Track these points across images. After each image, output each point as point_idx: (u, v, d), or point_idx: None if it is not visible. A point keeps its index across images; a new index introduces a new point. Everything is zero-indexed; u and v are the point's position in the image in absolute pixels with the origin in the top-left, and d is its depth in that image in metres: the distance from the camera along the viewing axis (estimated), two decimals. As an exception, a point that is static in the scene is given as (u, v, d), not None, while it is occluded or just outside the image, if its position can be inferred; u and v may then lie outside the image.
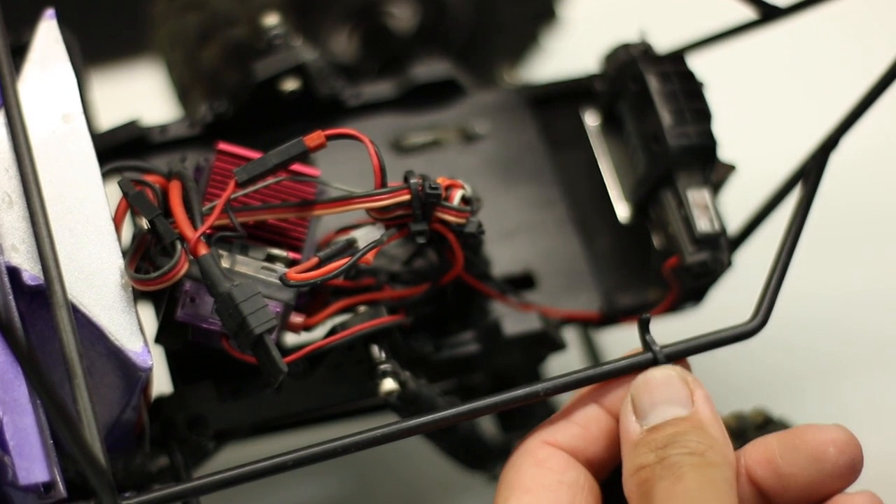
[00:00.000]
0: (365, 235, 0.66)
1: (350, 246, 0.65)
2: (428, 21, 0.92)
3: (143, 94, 0.99)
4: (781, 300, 0.67)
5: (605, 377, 0.64)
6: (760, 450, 0.61)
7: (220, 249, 0.65)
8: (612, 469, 0.64)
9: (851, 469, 0.60)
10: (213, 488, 0.61)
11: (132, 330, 0.63)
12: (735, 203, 0.78)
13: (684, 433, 0.60)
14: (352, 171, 0.70)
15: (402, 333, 0.69)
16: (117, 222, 0.65)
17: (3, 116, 0.65)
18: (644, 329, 0.65)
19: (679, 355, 0.65)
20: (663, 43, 0.75)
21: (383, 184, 0.65)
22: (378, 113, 0.78)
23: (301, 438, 0.68)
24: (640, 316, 0.65)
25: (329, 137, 0.64)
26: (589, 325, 0.76)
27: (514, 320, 0.71)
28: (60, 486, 0.60)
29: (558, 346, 0.73)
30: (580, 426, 0.63)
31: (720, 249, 0.71)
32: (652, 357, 0.64)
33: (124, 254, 0.64)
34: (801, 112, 0.96)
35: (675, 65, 0.73)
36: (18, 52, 0.67)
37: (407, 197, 0.65)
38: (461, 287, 0.71)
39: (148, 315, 0.67)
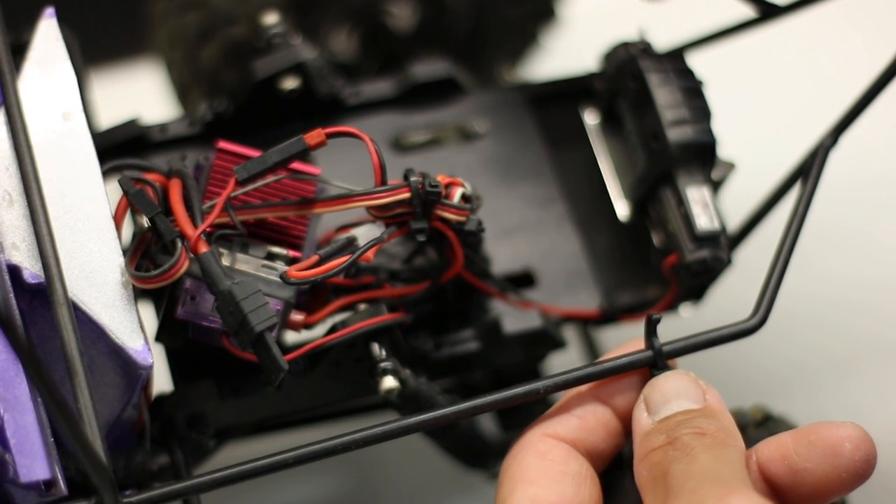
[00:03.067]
0: (365, 233, 0.66)
1: (350, 244, 0.66)
2: (427, 20, 0.92)
3: (143, 94, 0.99)
4: (781, 297, 0.67)
5: (605, 374, 0.64)
6: (774, 447, 0.62)
7: (220, 247, 0.65)
8: (608, 461, 0.64)
9: (866, 465, 0.61)
10: (214, 486, 0.61)
11: (133, 328, 0.63)
12: (735, 201, 0.78)
13: (694, 418, 0.61)
14: (352, 170, 0.70)
15: (403, 331, 0.69)
16: (117, 220, 0.65)
17: (3, 115, 0.65)
18: (651, 329, 0.64)
19: (679, 353, 0.65)
20: (663, 41, 0.75)
21: (383, 182, 0.65)
22: (378, 111, 0.78)
23: (301, 436, 0.68)
24: (649, 315, 0.65)
25: (329, 135, 0.64)
26: (589, 322, 0.76)
27: (513, 318, 0.71)
28: (61, 483, 0.60)
29: (558, 344, 0.73)
30: (578, 417, 0.64)
31: (720, 247, 0.71)
32: (651, 355, 0.64)
33: (125, 252, 0.64)
34: (800, 110, 0.96)
35: (674, 63, 0.73)
36: (18, 51, 0.68)
37: (407, 195, 0.65)
38: (461, 285, 0.71)
39: (148, 313, 0.67)
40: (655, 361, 0.64)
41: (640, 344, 0.65)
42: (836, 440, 0.61)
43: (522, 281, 0.75)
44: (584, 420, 0.64)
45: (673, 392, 0.62)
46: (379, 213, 0.65)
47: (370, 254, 0.65)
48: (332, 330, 0.67)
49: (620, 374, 0.65)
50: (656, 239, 0.74)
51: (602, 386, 0.65)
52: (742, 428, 0.69)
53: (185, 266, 0.63)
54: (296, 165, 0.65)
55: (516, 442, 0.64)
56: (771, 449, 0.61)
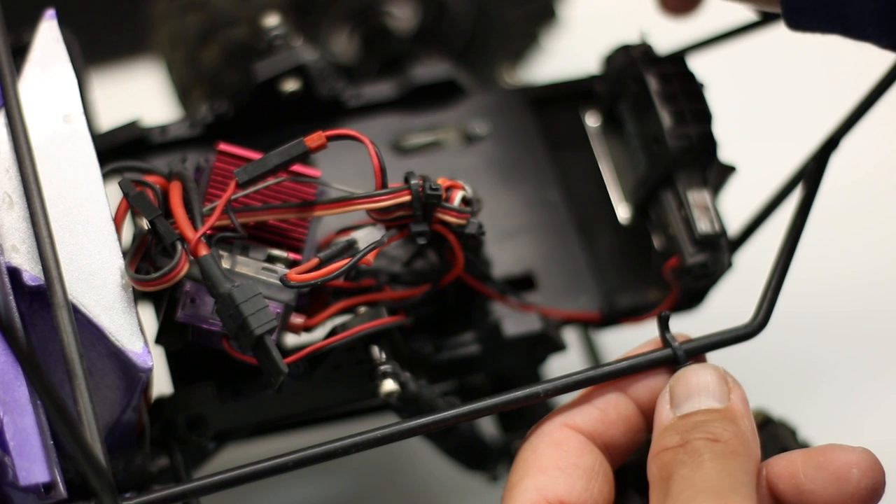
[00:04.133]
0: (365, 236, 0.66)
1: (350, 247, 0.65)
2: (428, 21, 0.92)
3: (143, 94, 0.99)
4: (782, 301, 0.67)
5: (608, 377, 0.64)
6: (784, 464, 0.61)
7: (220, 250, 0.65)
8: (627, 456, 0.64)
9: (873, 493, 0.60)
10: (214, 489, 0.61)
11: (133, 330, 0.63)
12: (735, 204, 0.78)
13: (712, 421, 0.60)
14: (352, 172, 0.70)
15: (403, 334, 0.69)
16: (118, 223, 0.65)
17: (3, 117, 0.65)
18: (664, 326, 0.64)
19: (689, 354, 0.65)
20: (664, 44, 0.75)
21: (384, 184, 0.65)
22: (378, 113, 0.78)
23: (301, 439, 0.68)
24: (660, 313, 0.64)
25: (330, 138, 0.64)
26: (589, 325, 0.76)
27: (514, 321, 0.71)
28: (61, 486, 0.60)
29: (558, 346, 0.73)
30: (599, 409, 0.63)
31: (720, 250, 0.71)
32: (672, 353, 0.64)
33: (125, 254, 0.64)
34: (801, 113, 0.96)
35: (675, 66, 0.73)
36: (19, 53, 0.67)
37: (407, 198, 0.65)
38: (461, 288, 0.71)
39: (148, 316, 0.67)
40: (676, 358, 0.64)
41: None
42: (844, 465, 0.60)
43: (523, 284, 0.75)
44: (606, 413, 0.63)
45: (698, 387, 0.62)
46: (379, 216, 0.65)
47: (370, 257, 0.65)
48: (332, 333, 0.67)
49: (634, 375, 0.64)
50: (657, 242, 0.74)
51: (628, 378, 0.64)
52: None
53: (185, 269, 0.63)
54: (296, 168, 0.65)
55: (536, 427, 0.64)
56: (781, 466, 0.61)
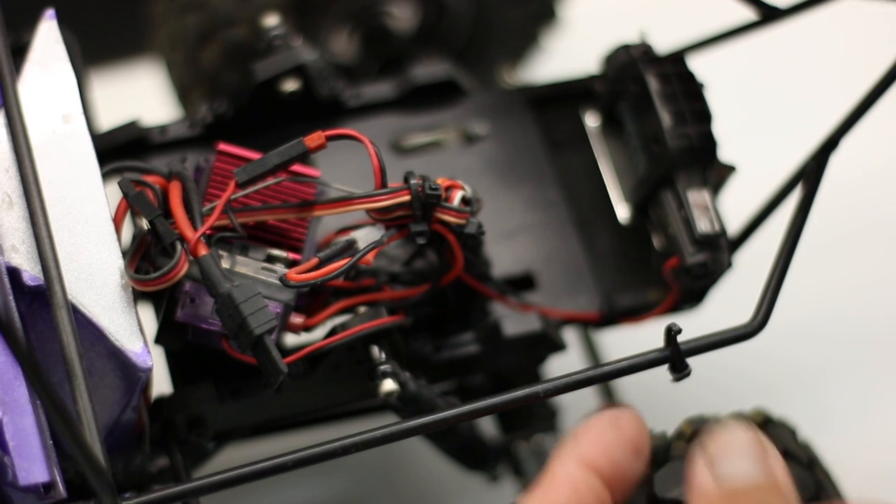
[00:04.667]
0: (365, 236, 0.66)
1: (350, 246, 0.65)
2: (428, 21, 0.92)
3: (143, 94, 0.99)
4: (781, 300, 0.67)
5: (604, 379, 0.64)
6: None
7: (220, 250, 0.65)
8: None
9: None
10: (213, 489, 0.61)
11: (132, 330, 0.63)
12: (735, 204, 0.78)
13: (763, 497, 0.57)
14: (352, 172, 0.70)
15: (402, 334, 0.69)
16: (117, 223, 0.65)
17: (3, 117, 0.65)
18: (671, 340, 0.64)
19: (689, 353, 0.65)
20: (663, 44, 0.75)
21: (383, 184, 0.65)
22: (378, 113, 0.78)
23: (301, 439, 0.68)
24: (670, 326, 0.64)
25: (329, 138, 0.64)
26: (589, 325, 0.76)
27: (513, 321, 0.71)
28: (60, 486, 0.60)
29: (558, 346, 0.73)
30: (569, 489, 0.60)
31: (720, 250, 0.71)
32: (669, 354, 0.64)
33: (124, 254, 0.64)
34: (801, 113, 0.96)
35: (675, 66, 0.73)
36: (19, 53, 0.68)
37: (407, 198, 0.65)
38: (461, 288, 0.71)
39: (148, 315, 0.67)
40: (672, 360, 0.64)
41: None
42: None
43: (523, 283, 0.75)
44: (578, 492, 0.60)
45: (736, 450, 0.58)
46: (379, 216, 0.65)
47: (370, 256, 0.65)
48: (332, 332, 0.67)
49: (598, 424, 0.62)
50: (657, 242, 0.74)
51: (583, 446, 0.61)
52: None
53: (184, 269, 0.63)
54: (296, 168, 0.65)
55: None
56: None
